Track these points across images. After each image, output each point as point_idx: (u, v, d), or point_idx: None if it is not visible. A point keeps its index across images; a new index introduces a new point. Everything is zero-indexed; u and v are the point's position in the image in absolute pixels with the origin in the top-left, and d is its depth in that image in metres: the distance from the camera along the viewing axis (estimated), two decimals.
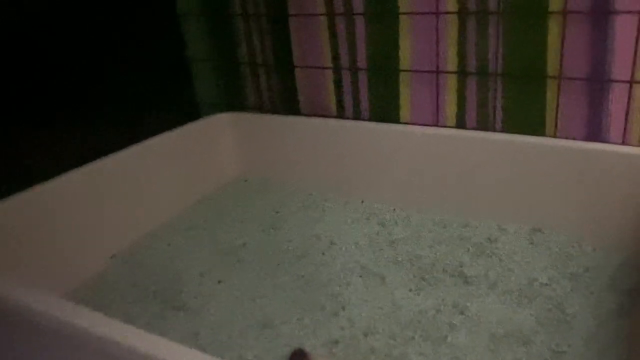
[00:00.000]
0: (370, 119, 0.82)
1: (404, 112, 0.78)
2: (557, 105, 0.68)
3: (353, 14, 0.77)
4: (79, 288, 0.69)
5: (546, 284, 0.61)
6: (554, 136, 0.69)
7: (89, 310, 0.42)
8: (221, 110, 0.95)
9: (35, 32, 0.73)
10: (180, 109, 1.00)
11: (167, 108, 0.97)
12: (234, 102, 0.96)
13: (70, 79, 0.79)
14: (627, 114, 0.64)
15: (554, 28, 0.64)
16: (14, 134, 0.73)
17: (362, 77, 0.80)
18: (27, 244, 0.64)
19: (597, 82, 0.65)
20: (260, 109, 0.94)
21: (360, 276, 0.66)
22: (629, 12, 0.60)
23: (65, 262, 0.68)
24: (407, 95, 0.77)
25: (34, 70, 0.74)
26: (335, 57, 0.81)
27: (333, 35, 0.80)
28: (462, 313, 0.58)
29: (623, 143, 0.66)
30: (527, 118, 0.70)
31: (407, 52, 0.75)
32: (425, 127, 0.77)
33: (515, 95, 0.70)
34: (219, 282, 0.68)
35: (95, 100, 0.83)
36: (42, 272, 0.66)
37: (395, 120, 0.79)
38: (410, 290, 0.63)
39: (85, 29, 0.80)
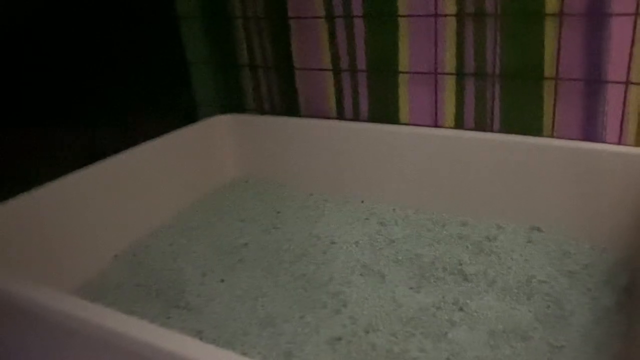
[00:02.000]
0: (369, 120, 0.83)
1: (403, 113, 0.80)
2: (554, 106, 0.69)
3: (352, 16, 0.78)
4: (81, 288, 0.69)
5: (544, 281, 0.62)
6: (551, 136, 0.70)
7: (102, 306, 0.43)
8: (220, 113, 0.95)
9: (32, 35, 0.74)
10: (179, 111, 1.01)
11: (166, 110, 0.97)
12: (233, 104, 0.97)
13: (69, 81, 0.79)
14: (622, 114, 0.66)
15: (550, 30, 0.66)
16: (14, 136, 0.73)
17: (362, 79, 0.81)
18: (29, 245, 0.65)
19: (594, 83, 0.66)
20: (259, 110, 0.95)
21: (361, 275, 0.67)
22: (624, 14, 0.62)
23: (67, 262, 0.69)
24: (406, 96, 0.78)
25: (35, 73, 0.75)
26: (335, 59, 0.82)
27: (332, 37, 0.81)
28: (461, 310, 0.59)
29: (619, 143, 0.67)
30: (524, 118, 0.71)
31: (406, 54, 0.76)
32: (424, 128, 0.78)
33: (512, 96, 0.71)
34: (222, 281, 0.68)
35: (93, 103, 0.84)
36: (44, 272, 0.66)
37: (395, 121, 0.80)
38: (411, 288, 0.63)
39: (84, 32, 0.80)
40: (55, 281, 0.67)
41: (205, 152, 0.92)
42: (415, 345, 0.54)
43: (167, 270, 0.71)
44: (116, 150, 0.79)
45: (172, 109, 1.00)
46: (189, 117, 1.04)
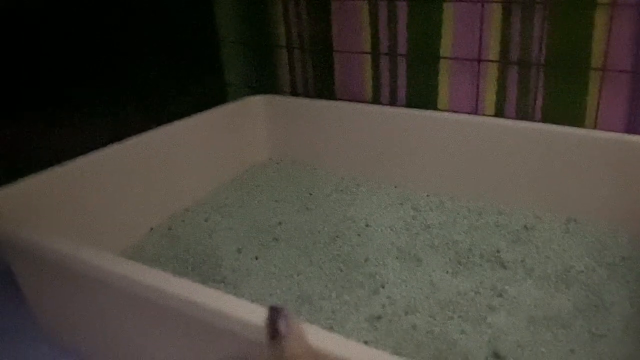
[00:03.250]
0: (406, 106, 0.83)
1: (442, 100, 0.79)
2: (599, 97, 0.68)
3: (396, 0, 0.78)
4: None
5: (582, 272, 0.62)
6: (594, 127, 0.70)
7: (157, 269, 0.44)
8: (251, 93, 0.95)
9: (64, 13, 0.74)
10: (210, 91, 1.01)
11: (197, 89, 0.98)
12: (265, 85, 0.97)
13: (102, 61, 0.80)
14: None
15: (601, 20, 0.65)
16: (53, 114, 0.74)
17: (401, 63, 0.81)
18: (65, 216, 0.65)
19: None
20: (293, 92, 0.95)
21: (397, 258, 0.67)
22: None
23: (104, 233, 0.69)
24: (446, 82, 0.78)
25: (70, 54, 0.75)
26: (375, 43, 0.82)
27: (374, 20, 0.80)
28: (500, 296, 0.59)
29: None
30: (567, 109, 0.70)
31: (449, 40, 0.76)
32: (463, 115, 0.78)
33: (556, 86, 0.70)
34: (256, 258, 0.69)
35: (126, 82, 0.84)
36: (81, 242, 0.67)
37: (433, 107, 0.80)
38: (448, 272, 0.64)
39: (115, 10, 0.81)
40: None
41: (239, 131, 0.92)
42: (455, 327, 0.55)
43: (202, 245, 0.71)
44: (146, 128, 0.79)
45: (203, 89, 1.00)
46: (221, 97, 1.04)
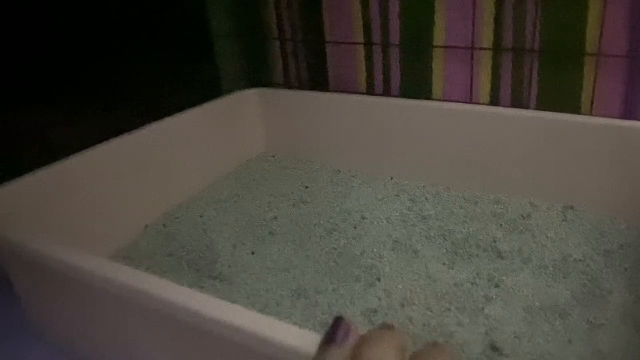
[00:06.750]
0: (401, 96, 0.82)
1: (437, 89, 0.78)
2: (595, 83, 0.67)
3: None
4: (113, 257, 0.69)
5: (580, 260, 0.61)
6: (590, 114, 0.69)
7: (144, 273, 0.43)
8: (245, 87, 0.95)
9: (56, 9, 0.73)
10: (204, 85, 1.01)
11: (191, 84, 0.97)
12: (259, 78, 0.96)
13: (93, 56, 0.79)
14: None
15: (595, 4, 0.64)
16: (43, 111, 0.73)
17: (394, 54, 0.80)
18: (60, 214, 0.65)
19: (637, 60, 0.64)
20: (287, 85, 0.94)
21: (394, 250, 0.66)
22: None
23: (98, 232, 0.69)
24: (440, 72, 0.77)
25: (61, 50, 0.74)
26: (368, 33, 0.81)
27: (365, 9, 0.79)
28: (497, 286, 0.59)
29: None
30: (563, 95, 0.70)
31: (442, 28, 0.75)
32: (458, 104, 0.77)
33: (551, 73, 0.69)
34: (252, 253, 0.68)
35: (117, 78, 0.83)
36: (75, 241, 0.66)
37: (427, 97, 0.79)
38: (444, 264, 0.63)
39: (107, 5, 0.80)
40: (87, 249, 0.67)
41: (233, 126, 0.92)
42: (452, 319, 0.54)
43: (197, 241, 0.71)
44: (139, 124, 0.78)
45: (197, 83, 0.99)
46: (214, 91, 1.03)
